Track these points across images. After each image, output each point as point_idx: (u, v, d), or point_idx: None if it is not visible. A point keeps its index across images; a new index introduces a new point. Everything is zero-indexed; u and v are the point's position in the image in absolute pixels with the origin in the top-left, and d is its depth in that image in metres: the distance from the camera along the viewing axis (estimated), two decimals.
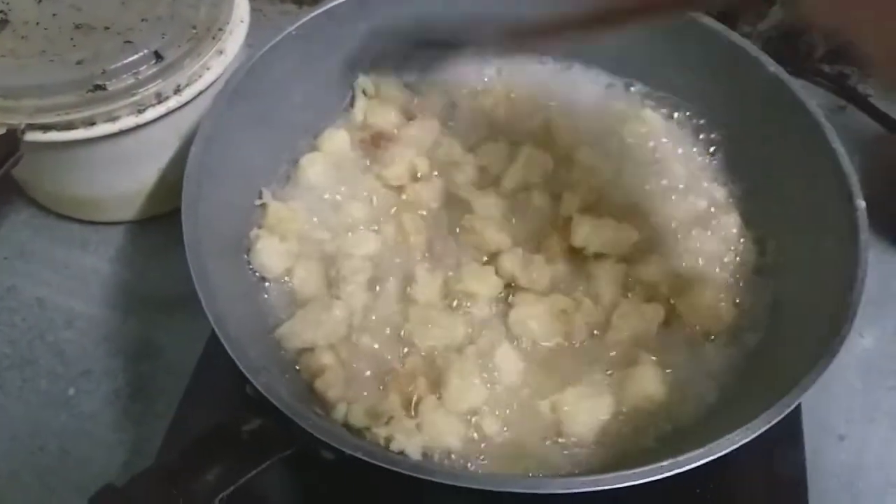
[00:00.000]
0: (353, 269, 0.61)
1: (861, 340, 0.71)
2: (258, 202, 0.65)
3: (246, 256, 0.64)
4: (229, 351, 0.46)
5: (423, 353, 0.58)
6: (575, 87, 0.76)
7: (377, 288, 0.61)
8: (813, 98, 0.87)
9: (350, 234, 0.65)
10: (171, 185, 0.73)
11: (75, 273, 0.74)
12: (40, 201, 0.77)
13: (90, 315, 0.71)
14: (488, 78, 0.76)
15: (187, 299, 0.69)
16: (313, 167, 0.68)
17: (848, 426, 0.66)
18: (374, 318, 0.60)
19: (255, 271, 0.63)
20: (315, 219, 0.66)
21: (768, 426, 0.45)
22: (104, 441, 0.64)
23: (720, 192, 0.69)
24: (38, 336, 0.70)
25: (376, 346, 0.58)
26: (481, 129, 0.73)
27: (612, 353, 0.60)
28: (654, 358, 0.58)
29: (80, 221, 0.77)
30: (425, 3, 0.68)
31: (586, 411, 0.55)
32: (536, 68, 0.76)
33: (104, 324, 0.71)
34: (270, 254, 0.62)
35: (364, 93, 0.73)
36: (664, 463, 0.43)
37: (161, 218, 0.77)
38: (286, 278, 0.63)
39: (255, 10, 0.74)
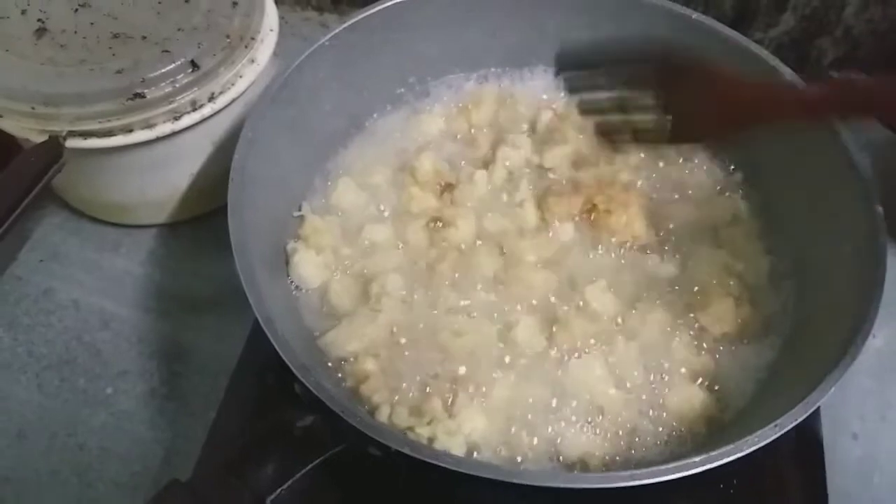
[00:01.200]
0: (391, 283, 0.63)
1: (873, 341, 0.73)
2: (296, 213, 0.67)
3: (285, 266, 0.66)
4: (279, 351, 0.48)
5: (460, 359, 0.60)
6: None
7: (414, 297, 0.64)
8: None
9: (379, 251, 0.68)
10: (201, 189, 0.75)
11: (109, 275, 0.76)
12: (74, 205, 0.79)
13: (124, 316, 0.73)
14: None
15: (217, 301, 0.74)
16: (346, 190, 0.71)
17: (862, 424, 0.68)
18: (414, 327, 0.62)
19: (293, 281, 0.65)
20: (345, 232, 0.69)
21: (795, 423, 0.47)
22: (142, 439, 0.66)
23: (738, 200, 0.71)
24: (75, 337, 0.72)
25: (416, 353, 0.61)
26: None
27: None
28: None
29: (113, 225, 0.79)
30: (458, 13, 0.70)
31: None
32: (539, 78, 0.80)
33: (138, 325, 0.73)
34: (307, 265, 0.64)
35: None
36: (696, 458, 0.45)
37: (191, 222, 0.79)
38: (323, 290, 0.65)
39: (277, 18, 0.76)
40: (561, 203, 0.69)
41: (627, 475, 0.44)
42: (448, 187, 0.71)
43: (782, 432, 0.47)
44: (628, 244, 0.68)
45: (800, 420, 0.47)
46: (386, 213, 0.71)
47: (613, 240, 0.68)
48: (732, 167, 0.74)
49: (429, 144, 0.74)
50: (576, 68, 0.58)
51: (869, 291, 0.53)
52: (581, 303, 0.64)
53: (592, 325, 0.62)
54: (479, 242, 0.68)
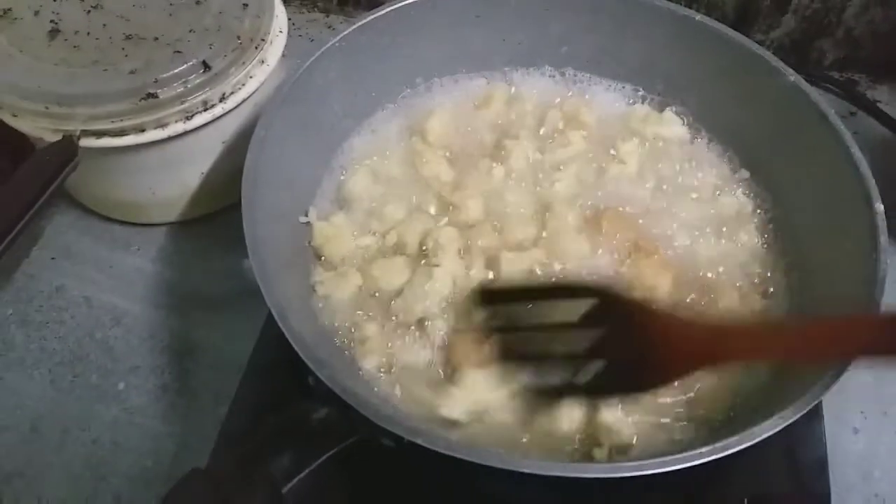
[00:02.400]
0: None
1: None
2: (303, 219, 0.68)
3: (299, 261, 0.67)
4: (293, 343, 0.49)
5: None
6: (595, 97, 0.79)
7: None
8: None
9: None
10: (212, 188, 0.76)
11: (120, 272, 0.77)
12: (85, 204, 0.80)
13: (136, 313, 0.74)
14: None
15: (228, 298, 0.75)
16: (357, 183, 0.72)
17: (862, 419, 0.69)
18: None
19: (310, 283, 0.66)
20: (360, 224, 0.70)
21: (797, 416, 0.48)
22: (154, 433, 0.67)
23: (741, 197, 0.72)
24: (88, 333, 0.73)
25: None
26: None
27: None
28: None
29: (124, 223, 0.80)
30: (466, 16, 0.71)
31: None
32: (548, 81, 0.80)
33: (149, 321, 0.74)
34: (336, 291, 0.65)
35: None
36: (703, 449, 0.46)
37: (201, 220, 0.80)
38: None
39: None
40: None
41: (635, 465, 0.45)
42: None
43: (786, 424, 0.48)
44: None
45: (802, 412, 0.48)
46: (399, 198, 0.71)
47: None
48: (732, 154, 0.75)
49: (439, 134, 0.76)
50: (501, 302, 0.51)
51: (870, 290, 0.54)
52: None
53: None
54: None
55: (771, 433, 0.47)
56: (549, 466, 0.46)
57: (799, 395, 0.49)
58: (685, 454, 0.46)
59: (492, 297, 0.51)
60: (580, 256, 0.66)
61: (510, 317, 0.50)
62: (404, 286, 0.63)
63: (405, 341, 0.62)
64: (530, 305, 0.49)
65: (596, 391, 0.49)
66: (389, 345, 0.61)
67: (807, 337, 0.48)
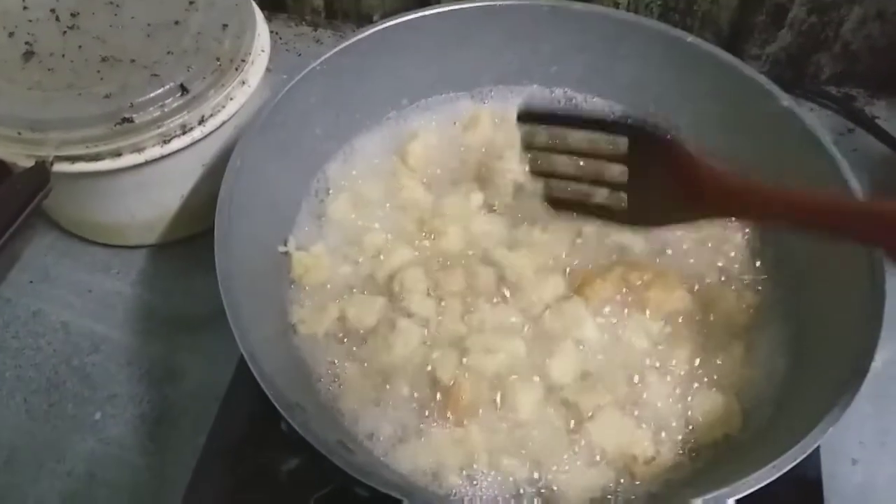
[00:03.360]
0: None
1: (871, 365, 0.72)
2: (282, 249, 0.66)
3: (277, 292, 0.65)
4: (265, 389, 0.47)
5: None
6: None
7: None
8: (819, 121, 0.90)
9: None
10: (192, 211, 0.75)
11: (99, 297, 0.75)
12: (63, 226, 0.79)
13: (114, 339, 0.73)
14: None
15: (209, 322, 0.73)
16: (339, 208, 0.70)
17: (861, 450, 0.67)
18: None
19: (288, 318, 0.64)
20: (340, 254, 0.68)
21: (794, 463, 0.46)
22: (131, 465, 0.65)
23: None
24: (64, 360, 0.71)
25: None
26: None
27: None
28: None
29: (103, 245, 0.78)
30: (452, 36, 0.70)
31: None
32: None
33: (128, 347, 0.72)
34: (312, 323, 0.63)
35: None
36: (698, 501, 0.44)
37: (182, 242, 0.78)
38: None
39: (271, 34, 0.76)
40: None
41: None
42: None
43: (780, 474, 0.46)
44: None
45: (798, 460, 0.47)
46: (378, 225, 0.70)
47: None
48: None
49: (421, 157, 0.74)
50: (538, 122, 0.55)
51: (869, 323, 0.53)
52: None
53: None
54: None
55: (764, 483, 0.46)
56: None
57: (798, 436, 0.48)
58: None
59: (532, 116, 0.55)
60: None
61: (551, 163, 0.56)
62: (376, 327, 0.62)
63: (381, 382, 0.60)
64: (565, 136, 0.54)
65: (614, 215, 0.55)
66: (369, 383, 0.59)
67: (829, 211, 0.49)
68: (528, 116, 0.56)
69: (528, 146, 0.56)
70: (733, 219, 0.58)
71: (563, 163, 0.56)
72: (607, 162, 0.53)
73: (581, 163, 0.55)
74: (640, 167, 0.52)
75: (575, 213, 0.58)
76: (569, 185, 0.56)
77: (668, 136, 0.51)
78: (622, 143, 0.52)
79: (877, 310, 0.53)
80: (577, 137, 0.54)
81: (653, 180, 0.51)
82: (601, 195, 0.55)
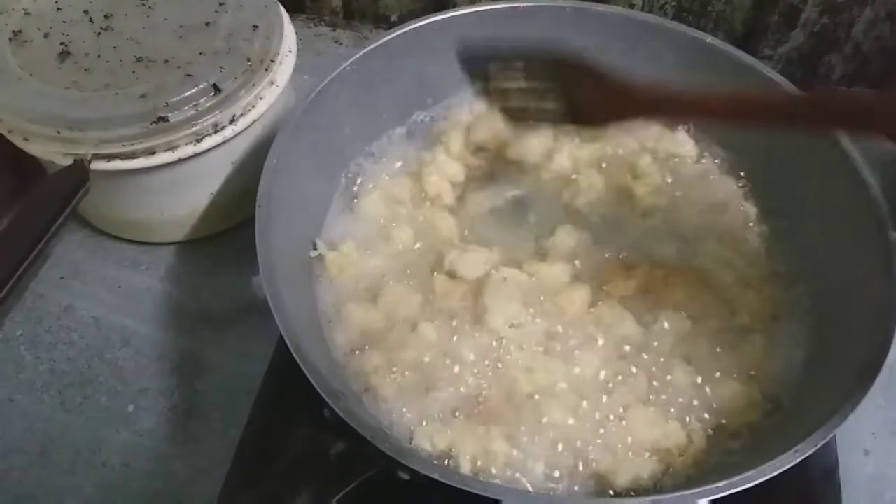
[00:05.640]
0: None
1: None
2: (313, 253, 0.68)
3: (309, 283, 0.66)
4: (309, 377, 0.49)
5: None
6: None
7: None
8: None
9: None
10: (220, 207, 0.76)
11: (129, 292, 0.77)
12: (94, 223, 0.80)
13: (145, 333, 0.74)
14: None
15: (236, 317, 0.75)
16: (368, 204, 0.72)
17: (873, 441, 0.69)
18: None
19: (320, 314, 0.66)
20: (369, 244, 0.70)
21: (815, 448, 0.48)
22: (163, 456, 0.67)
23: (753, 221, 0.73)
24: (97, 354, 0.73)
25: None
26: None
27: None
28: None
29: (132, 242, 0.80)
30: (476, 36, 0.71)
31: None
32: None
33: (158, 342, 0.74)
34: (347, 318, 0.65)
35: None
36: (720, 484, 0.46)
37: (210, 238, 0.80)
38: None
39: None
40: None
41: (650, 501, 0.45)
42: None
43: (802, 457, 0.48)
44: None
45: (819, 445, 0.48)
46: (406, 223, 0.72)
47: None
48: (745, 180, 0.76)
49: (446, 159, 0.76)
50: (478, 61, 0.63)
51: (887, 319, 0.54)
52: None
53: None
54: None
55: (788, 466, 0.47)
56: (559, 501, 0.46)
57: (817, 423, 0.49)
58: (701, 489, 0.46)
59: (471, 52, 0.63)
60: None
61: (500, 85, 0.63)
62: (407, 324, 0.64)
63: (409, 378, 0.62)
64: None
65: (561, 118, 0.63)
66: (403, 374, 0.61)
67: (729, 104, 0.57)
68: (468, 56, 0.63)
69: (474, 77, 0.64)
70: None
71: (510, 83, 0.63)
72: (543, 80, 0.62)
73: (523, 84, 0.63)
74: (574, 80, 0.61)
75: (531, 122, 0.65)
76: (520, 101, 0.64)
77: (592, 62, 0.60)
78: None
79: (892, 303, 0.55)
80: (517, 66, 0.62)
81: (587, 91, 0.60)
82: (548, 104, 0.63)
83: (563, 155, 0.75)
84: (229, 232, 0.80)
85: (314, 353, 0.52)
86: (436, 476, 0.45)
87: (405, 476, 0.47)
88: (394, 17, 1.03)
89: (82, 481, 0.66)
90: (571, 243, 0.69)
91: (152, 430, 0.68)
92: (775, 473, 0.47)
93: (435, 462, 0.50)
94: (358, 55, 0.69)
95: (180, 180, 0.72)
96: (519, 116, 0.65)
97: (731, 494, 0.47)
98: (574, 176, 0.75)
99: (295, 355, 0.49)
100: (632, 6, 0.92)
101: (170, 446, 0.67)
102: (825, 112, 0.54)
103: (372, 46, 0.70)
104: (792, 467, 0.49)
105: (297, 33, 0.77)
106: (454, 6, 0.74)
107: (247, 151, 0.73)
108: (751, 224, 0.72)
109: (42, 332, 0.74)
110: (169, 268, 0.79)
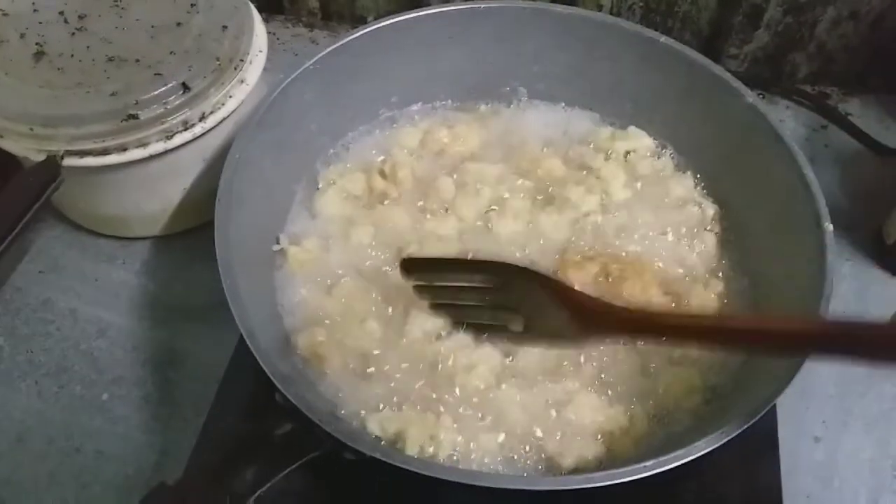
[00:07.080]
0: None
1: None
2: (276, 247, 0.70)
3: (269, 276, 0.69)
4: (261, 363, 0.51)
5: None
6: (569, 122, 0.82)
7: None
8: (795, 117, 0.94)
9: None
10: (193, 203, 0.78)
11: (105, 286, 0.79)
12: (72, 218, 0.83)
13: (120, 325, 0.76)
14: None
15: (209, 310, 0.77)
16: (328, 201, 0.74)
17: (823, 429, 0.71)
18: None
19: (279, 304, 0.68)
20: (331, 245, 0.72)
21: (740, 430, 0.50)
22: (136, 443, 0.69)
23: (701, 210, 0.75)
24: (73, 345, 0.75)
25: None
26: None
27: None
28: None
29: (109, 237, 0.82)
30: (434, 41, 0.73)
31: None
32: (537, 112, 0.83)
33: (133, 333, 0.76)
34: (303, 310, 0.67)
35: None
36: (647, 463, 0.48)
37: (184, 234, 0.82)
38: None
39: (269, 34, 0.79)
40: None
41: (582, 479, 0.48)
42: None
43: (728, 439, 0.50)
44: None
45: (744, 428, 0.50)
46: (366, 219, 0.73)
47: None
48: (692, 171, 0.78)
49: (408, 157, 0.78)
50: (423, 272, 0.61)
51: (816, 305, 0.56)
52: None
53: None
54: None
55: (714, 447, 0.49)
56: (502, 480, 0.48)
57: (745, 409, 0.52)
58: (629, 468, 0.48)
59: (415, 266, 0.61)
60: None
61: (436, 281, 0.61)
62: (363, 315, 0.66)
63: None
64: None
65: (516, 336, 0.60)
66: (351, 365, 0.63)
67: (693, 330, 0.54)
68: (411, 268, 0.61)
69: (421, 289, 0.62)
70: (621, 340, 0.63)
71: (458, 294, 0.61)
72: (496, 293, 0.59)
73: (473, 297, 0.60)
74: (527, 296, 0.57)
75: (485, 334, 0.63)
76: (470, 312, 0.62)
77: (547, 275, 0.57)
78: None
79: (823, 293, 0.57)
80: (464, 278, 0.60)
81: (541, 307, 0.56)
82: (500, 319, 0.60)
83: None
84: (203, 227, 0.81)
85: (268, 341, 0.54)
86: (377, 455, 0.47)
87: (351, 456, 0.49)
88: (370, 18, 1.05)
89: (57, 467, 0.68)
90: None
91: (125, 417, 0.70)
92: (702, 453, 0.49)
93: (383, 443, 0.52)
94: (321, 54, 0.71)
95: (153, 177, 0.74)
96: (471, 327, 0.63)
97: (680, 475, 0.50)
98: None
99: (247, 340, 0.52)
100: (600, 7, 0.94)
101: (142, 433, 0.69)
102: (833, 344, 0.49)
103: (336, 45, 0.72)
104: (732, 448, 0.51)
105: (274, 34, 0.80)
106: (428, 7, 0.76)
107: (219, 149, 0.75)
108: (705, 222, 0.75)
109: (20, 325, 0.76)
110: (144, 262, 0.81)
